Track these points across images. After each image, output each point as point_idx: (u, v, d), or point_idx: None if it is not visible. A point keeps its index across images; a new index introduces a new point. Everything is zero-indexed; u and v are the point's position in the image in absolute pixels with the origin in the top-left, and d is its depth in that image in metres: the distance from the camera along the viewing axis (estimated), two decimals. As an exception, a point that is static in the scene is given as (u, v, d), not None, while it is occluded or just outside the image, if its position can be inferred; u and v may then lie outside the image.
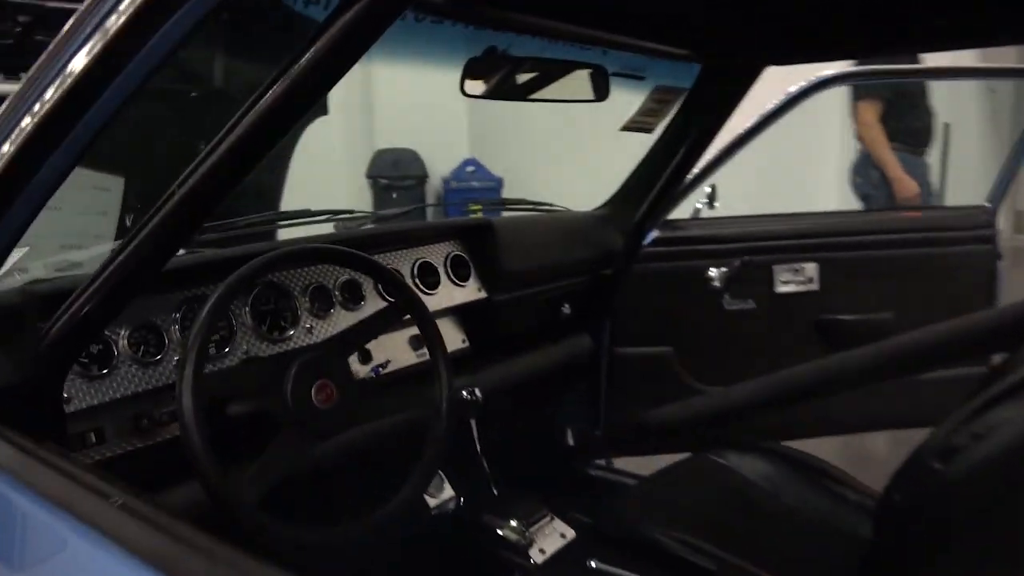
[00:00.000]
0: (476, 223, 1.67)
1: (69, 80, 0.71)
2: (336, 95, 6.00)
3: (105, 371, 1.07)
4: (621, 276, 2.02)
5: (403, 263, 1.54)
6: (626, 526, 1.49)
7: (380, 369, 1.44)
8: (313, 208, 1.63)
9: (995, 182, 2.45)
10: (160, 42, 0.69)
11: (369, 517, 1.12)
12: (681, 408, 2.07)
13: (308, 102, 0.74)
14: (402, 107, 6.27)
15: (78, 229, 0.76)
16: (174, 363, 1.13)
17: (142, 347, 1.12)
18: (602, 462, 2.19)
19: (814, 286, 2.30)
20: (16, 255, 1.06)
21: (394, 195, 6.20)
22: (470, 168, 6.47)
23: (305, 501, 1.25)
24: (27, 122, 0.72)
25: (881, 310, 2.32)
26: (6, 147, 0.74)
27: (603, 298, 2.05)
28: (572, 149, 6.54)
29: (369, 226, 1.70)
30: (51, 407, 0.92)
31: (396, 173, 6.26)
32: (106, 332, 1.08)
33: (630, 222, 1.99)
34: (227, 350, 1.21)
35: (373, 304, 1.44)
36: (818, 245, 2.31)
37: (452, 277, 1.61)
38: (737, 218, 2.37)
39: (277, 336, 1.28)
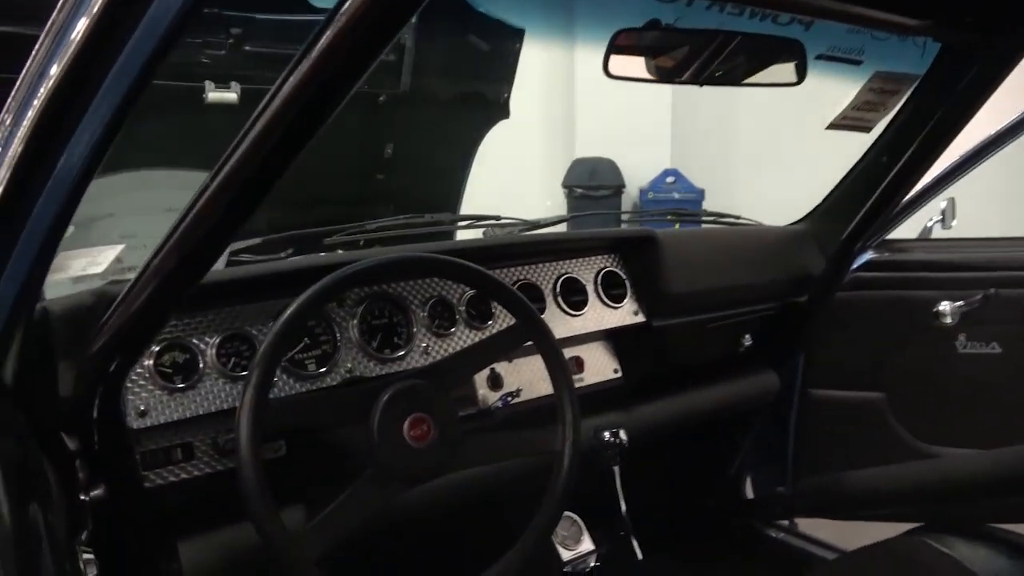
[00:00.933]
0: (635, 235, 1.43)
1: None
2: (538, 103, 5.99)
3: (189, 384, 0.98)
4: (819, 304, 1.67)
5: (544, 278, 1.34)
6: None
7: (510, 398, 1.26)
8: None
9: None
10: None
11: None
12: (893, 472, 1.67)
13: (351, 76, 0.57)
14: (604, 114, 6.11)
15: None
16: None
17: (232, 359, 1.02)
18: (785, 523, 1.84)
19: (1092, 332, 1.78)
20: (115, 250, 1.00)
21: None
22: (670, 179, 6.14)
23: (382, 560, 1.09)
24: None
25: None
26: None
27: (795, 329, 1.71)
28: (783, 158, 5.99)
29: (512, 232, 1.52)
30: (102, 423, 0.83)
31: (592, 183, 6.09)
32: (193, 341, 0.99)
33: (835, 240, 1.64)
34: (327, 368, 1.08)
35: (503, 324, 1.26)
36: None
37: (603, 296, 1.39)
38: (981, 240, 1.90)
39: (388, 355, 1.14)
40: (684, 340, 1.51)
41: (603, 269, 1.40)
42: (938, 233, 1.92)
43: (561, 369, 1.04)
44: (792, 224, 1.79)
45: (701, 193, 6.01)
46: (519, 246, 1.31)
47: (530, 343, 1.05)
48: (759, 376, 1.69)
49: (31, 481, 0.72)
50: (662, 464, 1.65)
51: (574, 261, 1.38)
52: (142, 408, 0.93)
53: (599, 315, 1.38)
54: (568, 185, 6.15)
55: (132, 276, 0.78)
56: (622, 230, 1.42)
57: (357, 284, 1.07)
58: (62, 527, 0.72)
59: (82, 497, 0.83)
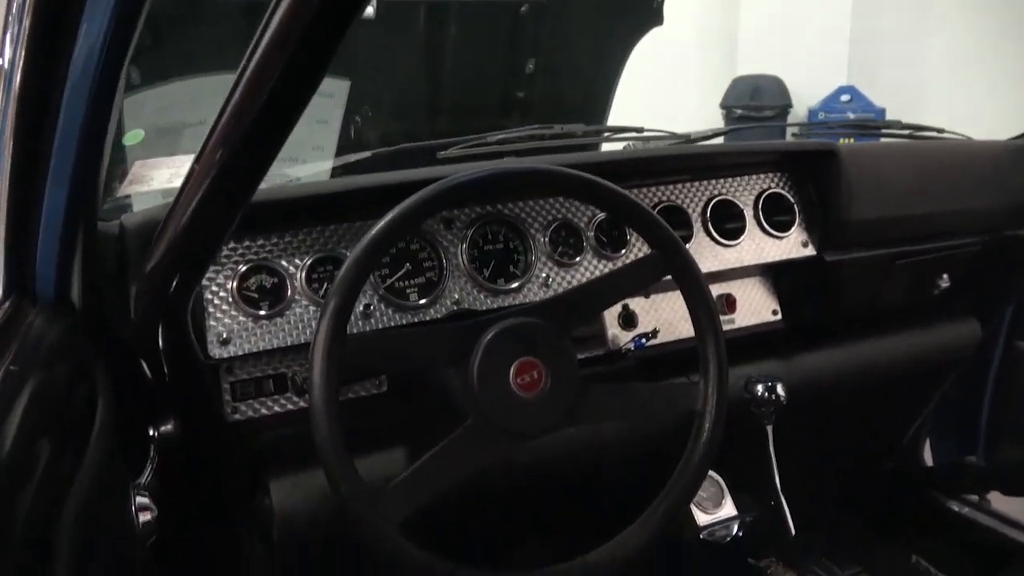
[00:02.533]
0: (810, 148, 1.17)
1: None
2: (695, 11, 5.51)
3: (276, 311, 0.87)
4: None
5: (692, 200, 1.12)
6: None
7: (644, 340, 1.07)
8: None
9: None
10: None
11: (579, 561, 0.78)
12: None
13: None
14: (771, 26, 5.55)
15: (293, 140, 0.53)
16: (360, 308, 0.90)
17: (325, 285, 0.90)
18: (975, 499, 1.55)
19: None
20: (186, 160, 0.90)
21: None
22: (845, 97, 5.49)
23: (478, 523, 0.96)
24: None
25: None
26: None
27: (1008, 270, 1.39)
28: (986, 74, 5.16)
29: (656, 145, 1.29)
30: (172, 350, 0.74)
31: (754, 102, 5.57)
32: (282, 263, 0.88)
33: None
34: (431, 298, 0.94)
35: (639, 253, 1.07)
36: None
37: (764, 224, 1.15)
38: None
39: (501, 286, 0.98)
40: (863, 279, 1.25)
41: (766, 191, 1.16)
42: None
43: (707, 311, 0.84)
44: (1016, 138, 1.43)
45: (881, 113, 5.33)
46: (662, 160, 1.10)
47: (669, 277, 0.86)
48: (956, 326, 1.39)
49: (82, 413, 0.63)
50: (821, 423, 1.42)
51: (730, 181, 1.15)
52: (224, 336, 0.84)
53: (758, 246, 1.15)
54: (727, 105, 5.67)
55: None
56: (793, 142, 1.16)
57: (461, 200, 0.91)
58: (116, 467, 0.64)
59: (150, 432, 0.75)
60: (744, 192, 1.15)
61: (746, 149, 1.15)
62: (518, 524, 1.13)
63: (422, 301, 0.94)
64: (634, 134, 1.28)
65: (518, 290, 0.99)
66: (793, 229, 1.17)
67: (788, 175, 1.18)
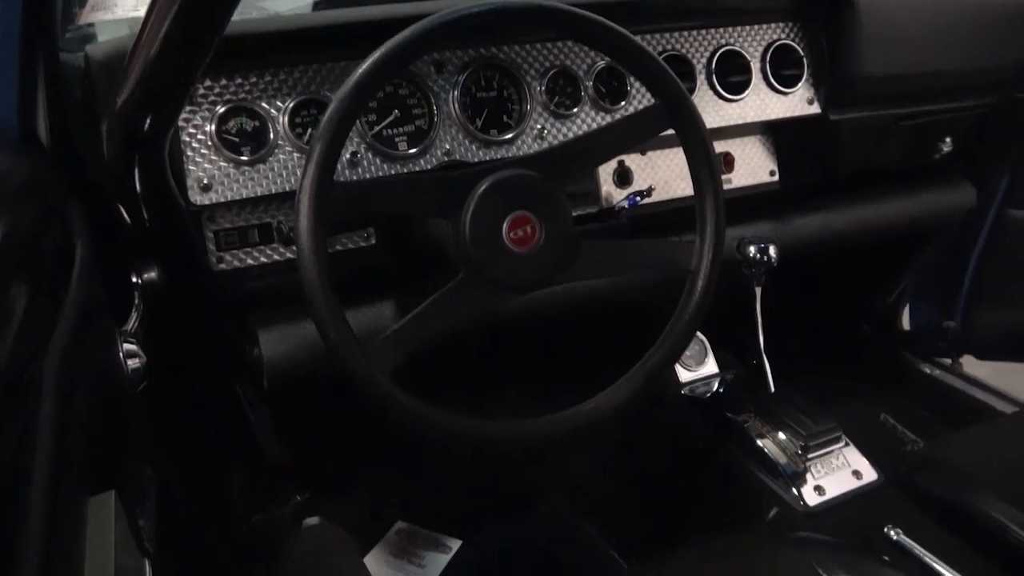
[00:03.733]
0: (824, -6, 1.09)
1: None
2: None
3: (258, 156, 0.83)
4: None
5: (696, 49, 1.06)
6: (955, 490, 0.98)
7: (639, 198, 1.05)
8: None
9: None
10: None
11: (566, 412, 0.79)
12: None
13: None
14: None
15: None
16: (347, 156, 0.86)
17: (309, 130, 0.85)
18: (947, 362, 1.60)
19: None
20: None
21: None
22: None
23: (467, 378, 0.97)
24: None
25: None
26: None
27: (1014, 134, 1.35)
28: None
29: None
30: (151, 195, 0.71)
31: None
32: (263, 105, 0.83)
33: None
34: (421, 147, 0.90)
35: (639, 105, 1.02)
36: None
37: (771, 78, 1.09)
38: None
39: (494, 136, 0.94)
40: (864, 139, 1.21)
41: (775, 42, 1.09)
42: None
43: (709, 169, 0.81)
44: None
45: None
46: (666, 3, 1.02)
47: (670, 131, 0.82)
48: (953, 191, 1.37)
49: (51, 255, 0.61)
50: (806, 285, 1.42)
51: (738, 29, 1.08)
52: (205, 181, 0.80)
53: (762, 102, 1.10)
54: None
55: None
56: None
57: (452, 37, 0.84)
58: (100, 312, 0.62)
59: (133, 279, 0.73)
60: (752, 42, 1.09)
61: (761, -8, 1.07)
62: (506, 376, 1.14)
63: (412, 150, 0.89)
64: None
65: (511, 141, 0.95)
66: (800, 85, 1.12)
67: (799, 25, 1.11)
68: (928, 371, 1.61)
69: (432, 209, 0.75)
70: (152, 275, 0.76)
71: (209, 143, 0.80)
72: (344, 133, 0.67)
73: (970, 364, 1.57)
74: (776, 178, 1.21)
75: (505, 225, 0.75)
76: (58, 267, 0.59)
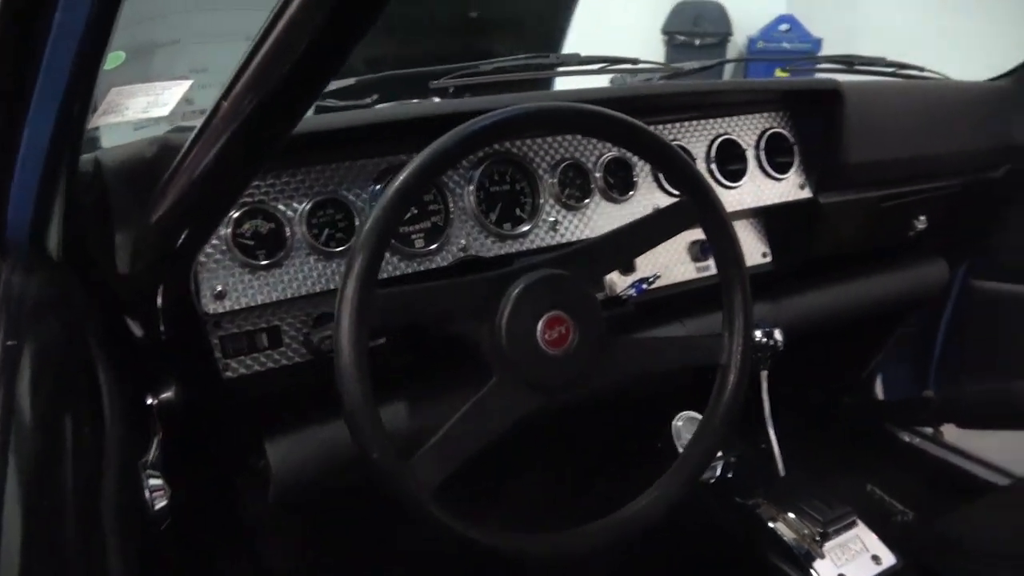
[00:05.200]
0: (815, 87, 1.14)
1: None
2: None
3: (275, 260, 0.79)
4: (1019, 180, 1.36)
5: (697, 139, 1.08)
6: (973, 571, 0.98)
7: (645, 285, 1.04)
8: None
9: None
10: None
11: (614, 517, 0.75)
12: None
13: None
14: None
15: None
16: None
17: (325, 231, 0.82)
18: (928, 431, 1.62)
19: None
20: (182, 87, 0.80)
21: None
22: (784, 26, 5.50)
23: (497, 475, 0.93)
24: None
25: None
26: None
27: (980, 211, 1.42)
28: (922, 5, 5.24)
29: (657, 82, 1.23)
30: (171, 308, 0.66)
31: (696, 29, 5.52)
32: (279, 207, 0.80)
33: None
34: (438, 244, 0.88)
35: (646, 196, 1.03)
36: None
37: (765, 165, 1.12)
38: None
39: (509, 230, 0.93)
40: (850, 221, 1.25)
41: (768, 130, 1.13)
42: None
43: (736, 263, 0.81)
44: (993, 80, 1.44)
45: (817, 44, 5.38)
46: (669, 97, 1.04)
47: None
48: (928, 265, 1.42)
49: (79, 380, 0.55)
50: (798, 362, 1.44)
51: (733, 119, 1.11)
52: (219, 289, 0.76)
53: (758, 188, 1.12)
54: (669, 31, 5.61)
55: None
56: (797, 80, 1.13)
57: (496, 140, 0.84)
58: (121, 442, 0.57)
59: (149, 401, 0.67)
60: (746, 131, 1.12)
61: (750, 87, 1.11)
62: (530, 473, 1.11)
63: (428, 247, 0.87)
64: (629, 65, 1.21)
65: (526, 235, 0.93)
66: (792, 171, 1.15)
67: (790, 114, 1.15)
68: (909, 440, 1.63)
69: (469, 313, 0.73)
70: (169, 394, 0.71)
71: (224, 247, 0.76)
72: (386, 243, 0.65)
73: (952, 433, 1.60)
74: (769, 259, 1.23)
75: (540, 326, 0.72)
76: (83, 398, 0.54)
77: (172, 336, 0.69)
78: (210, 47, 0.89)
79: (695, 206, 0.80)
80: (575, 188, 0.97)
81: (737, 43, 5.79)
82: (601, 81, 1.29)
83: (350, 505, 0.90)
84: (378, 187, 0.85)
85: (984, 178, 1.36)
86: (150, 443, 0.66)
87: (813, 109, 1.14)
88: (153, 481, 0.61)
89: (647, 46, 5.67)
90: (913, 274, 1.41)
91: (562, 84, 1.31)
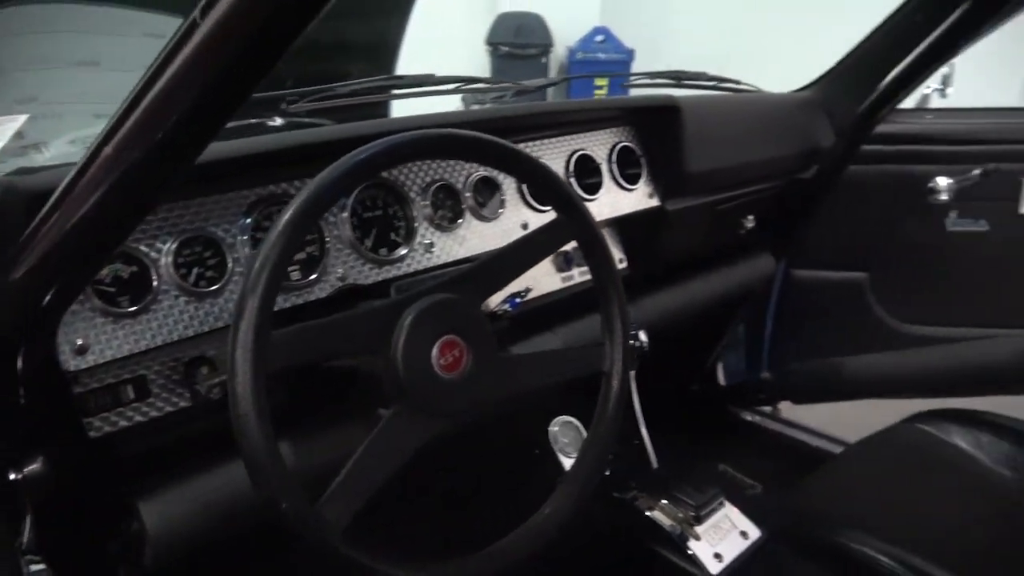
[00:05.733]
0: (657, 104, 1.22)
1: None
2: (456, -53, 5.45)
3: (141, 306, 0.73)
4: (826, 180, 1.54)
5: (555, 155, 1.12)
6: (829, 534, 1.09)
7: (519, 299, 1.07)
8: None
9: None
10: None
11: (513, 535, 0.77)
12: (880, 359, 1.62)
13: None
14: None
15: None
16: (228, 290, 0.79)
17: (195, 271, 0.77)
18: (767, 409, 1.79)
19: (1075, 208, 1.74)
20: (15, 122, 0.72)
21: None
22: (599, 38, 5.82)
23: (401, 512, 0.92)
24: None
25: None
26: None
27: (797, 208, 1.58)
28: (724, 20, 5.74)
29: (508, 101, 1.27)
30: (31, 370, 0.59)
31: (519, 40, 5.70)
32: (141, 248, 0.74)
33: (849, 110, 1.48)
34: (316, 275, 0.85)
35: (515, 213, 1.05)
36: None
37: (618, 177, 1.19)
38: (980, 111, 1.79)
39: (385, 255, 0.92)
40: (693, 224, 1.35)
41: (618, 144, 1.19)
42: (936, 102, 1.80)
43: (610, 274, 0.85)
44: (798, 91, 1.62)
45: (630, 54, 5.74)
46: (531, 117, 1.08)
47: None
48: (758, 260, 1.57)
49: None
50: (652, 359, 1.54)
51: (587, 135, 1.16)
52: (80, 342, 0.69)
53: (614, 199, 1.18)
54: (493, 42, 5.74)
55: (43, 158, 0.53)
56: (639, 98, 1.20)
57: (384, 168, 0.82)
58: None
59: (12, 476, 0.60)
60: (599, 146, 1.18)
61: (601, 105, 1.17)
62: (426, 494, 1.09)
63: (305, 279, 0.84)
64: (481, 84, 1.24)
65: (403, 259, 0.93)
66: (641, 181, 1.22)
67: (635, 129, 1.22)
68: (751, 419, 1.79)
69: (364, 345, 0.71)
70: (36, 466, 0.63)
71: (82, 297, 0.69)
72: (279, 281, 0.62)
73: (789, 409, 1.77)
74: (625, 264, 1.30)
75: (435, 352, 0.73)
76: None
77: (32, 401, 0.62)
78: (38, 74, 0.80)
79: (571, 223, 0.83)
80: (447, 209, 0.98)
81: (558, 53, 6.04)
82: (454, 100, 1.31)
83: (236, 558, 0.85)
84: (248, 220, 0.81)
85: (798, 179, 1.52)
86: (22, 524, 0.58)
87: (656, 124, 1.22)
88: (34, 567, 0.55)
89: (473, 56, 5.79)
90: (745, 268, 1.55)
91: (413, 105, 1.31)
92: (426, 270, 0.94)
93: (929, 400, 1.44)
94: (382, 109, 1.19)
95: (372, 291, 0.89)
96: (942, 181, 1.64)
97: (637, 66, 5.79)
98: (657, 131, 1.22)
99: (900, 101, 1.46)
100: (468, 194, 1.00)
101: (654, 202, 1.24)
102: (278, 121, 0.94)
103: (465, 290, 0.77)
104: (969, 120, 1.72)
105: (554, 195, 0.82)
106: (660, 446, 1.41)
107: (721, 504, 1.15)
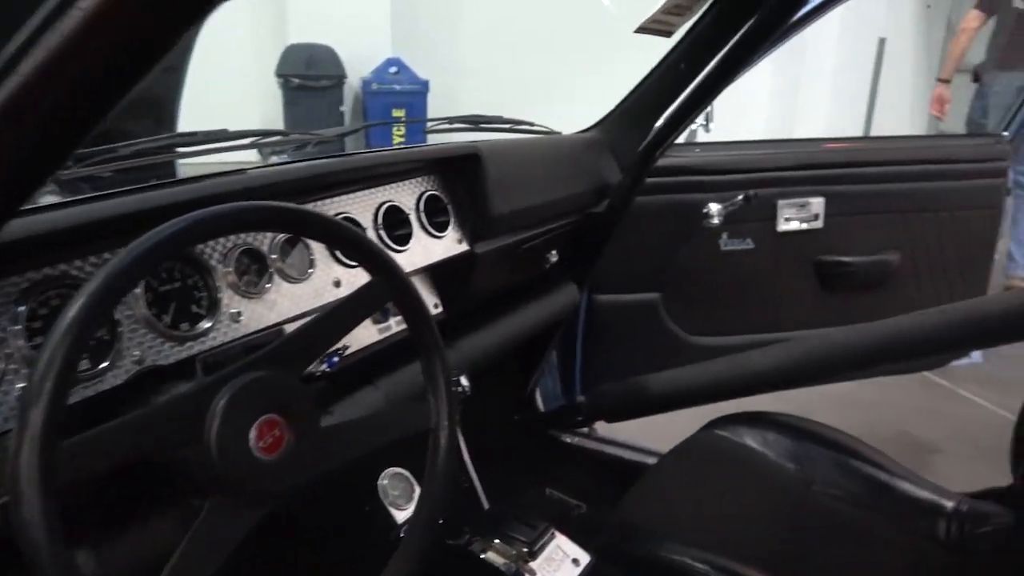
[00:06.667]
0: (460, 152, 1.25)
1: None
2: (239, -21, 5.26)
3: None
4: (617, 213, 1.66)
5: (362, 208, 1.11)
6: (651, 550, 1.17)
7: (337, 357, 1.04)
8: (218, 124, 1.16)
9: (1015, 108, 2.19)
10: None
11: None
12: (676, 374, 1.76)
13: None
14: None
15: None
16: (14, 397, 0.70)
17: None
18: (585, 431, 1.88)
19: (818, 224, 2.01)
20: None
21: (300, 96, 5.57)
22: (393, 69, 5.86)
23: None
24: None
25: (886, 250, 2.07)
26: None
27: (595, 241, 1.69)
28: (512, 51, 6.01)
29: (309, 154, 1.24)
30: None
31: (311, 72, 5.58)
32: None
33: (631, 147, 1.62)
34: (109, 362, 0.78)
35: (325, 272, 1.03)
36: (826, 177, 2.00)
37: (427, 225, 1.20)
38: (740, 143, 2.02)
39: (187, 331, 0.86)
40: (501, 264, 1.40)
41: (424, 193, 1.21)
42: (701, 137, 2.00)
43: (429, 330, 0.86)
44: (583, 132, 1.73)
45: (425, 85, 5.83)
46: (336, 175, 1.06)
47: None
48: (563, 290, 1.66)
49: None
50: (475, 397, 1.57)
51: (393, 186, 1.17)
52: None
53: (425, 248, 1.20)
54: (283, 74, 5.59)
55: None
56: (442, 147, 1.22)
57: (180, 250, 0.76)
58: None
59: None
60: (406, 196, 1.18)
61: (406, 156, 1.17)
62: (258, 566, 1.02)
63: (98, 367, 0.76)
64: (280, 137, 1.20)
65: (207, 332, 0.87)
66: (450, 228, 1.25)
67: (440, 178, 1.25)
68: (570, 441, 1.87)
69: (172, 441, 0.66)
70: None
71: None
72: (67, 387, 0.56)
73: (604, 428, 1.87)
74: (440, 310, 1.31)
75: (252, 435, 0.69)
76: None
77: None
78: None
79: (384, 284, 0.83)
80: (253, 274, 0.94)
81: (352, 84, 6.00)
82: (250, 154, 1.25)
83: None
84: (21, 308, 0.72)
85: (593, 213, 1.63)
86: None
87: (459, 171, 1.25)
88: None
89: (265, 90, 5.59)
90: (553, 299, 1.63)
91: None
92: (234, 341, 0.89)
93: (723, 406, 1.60)
94: (170, 169, 1.11)
95: (174, 371, 0.83)
96: (713, 207, 1.83)
97: (433, 96, 5.90)
98: (461, 178, 1.25)
99: (675, 138, 1.62)
100: (274, 256, 0.96)
101: (463, 247, 1.27)
102: (48, 195, 0.85)
103: (282, 365, 0.74)
104: (731, 152, 1.93)
105: (363, 258, 0.81)
106: (488, 479, 1.44)
107: (552, 536, 1.19)
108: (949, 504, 1.32)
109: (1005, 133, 2.16)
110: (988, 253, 2.19)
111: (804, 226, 2.01)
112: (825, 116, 6.96)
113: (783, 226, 1.98)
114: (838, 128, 6.49)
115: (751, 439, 1.47)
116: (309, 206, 1.00)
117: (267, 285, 0.94)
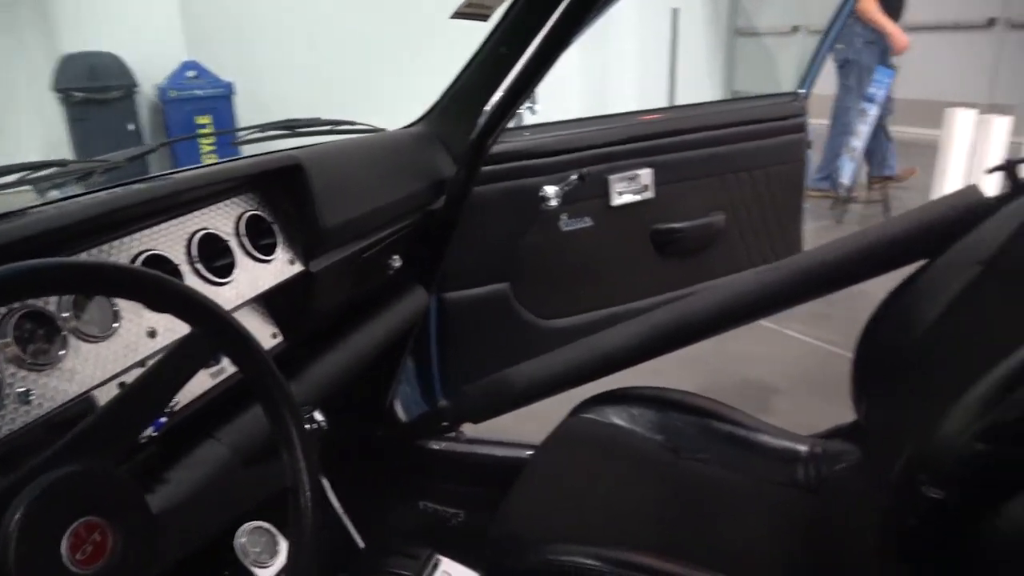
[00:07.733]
0: (279, 163, 1.12)
1: None
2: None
3: None
4: (458, 207, 1.59)
5: (171, 241, 0.96)
6: (539, 554, 1.13)
7: (162, 419, 0.90)
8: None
9: (807, 67, 2.35)
10: None
11: None
12: (533, 367, 1.73)
13: None
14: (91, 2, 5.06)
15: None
16: None
17: None
18: (452, 435, 1.81)
19: (650, 194, 2.06)
20: None
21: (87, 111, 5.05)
22: (191, 73, 5.43)
23: None
24: None
25: (713, 211, 2.16)
26: None
27: (438, 239, 1.61)
28: (322, 47, 5.75)
29: (97, 184, 1.06)
30: None
31: (95, 83, 5.05)
32: None
33: (462, 139, 1.55)
34: None
35: (132, 323, 0.87)
36: (651, 148, 2.04)
37: (251, 250, 1.07)
38: (565, 123, 2.02)
39: (-40, 424, 0.69)
40: (341, 279, 1.29)
41: (244, 214, 1.07)
42: (528, 119, 1.98)
43: (275, 382, 0.75)
44: (409, 127, 1.64)
45: (229, 87, 5.47)
46: (131, 208, 0.90)
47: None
48: (411, 295, 1.57)
49: None
50: (332, 423, 1.46)
51: (206, 212, 1.02)
52: None
53: (252, 276, 1.06)
54: (63, 88, 5.01)
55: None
56: (258, 160, 1.08)
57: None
58: None
59: None
60: (223, 221, 1.04)
61: (214, 176, 1.03)
62: None
63: None
64: (57, 167, 1.02)
65: None
66: (278, 249, 1.12)
67: (260, 195, 1.12)
68: (439, 447, 1.80)
69: None
70: None
71: None
72: None
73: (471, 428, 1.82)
74: (280, 339, 1.19)
75: (65, 548, 0.56)
76: None
77: None
78: None
79: (205, 335, 0.71)
80: (40, 341, 0.77)
81: (145, 92, 5.52)
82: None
83: None
84: None
85: (431, 210, 1.55)
86: None
87: (280, 185, 1.13)
88: None
89: (43, 106, 4.99)
90: (402, 306, 1.54)
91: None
92: (27, 427, 0.73)
93: (585, 389, 1.59)
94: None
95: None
96: (550, 189, 1.81)
97: (240, 100, 5.53)
98: (283, 192, 1.13)
99: (505, 124, 1.57)
100: (65, 315, 0.80)
101: (297, 267, 1.15)
102: None
103: (91, 454, 0.61)
104: (558, 132, 1.92)
105: (171, 305, 0.69)
106: (358, 507, 1.34)
107: (437, 562, 1.12)
108: (803, 449, 1.39)
109: (802, 90, 2.31)
110: (797, 202, 2.35)
111: (637, 198, 2.04)
112: (633, 90, 7.28)
113: (617, 200, 2.00)
114: (648, 101, 6.83)
115: (617, 417, 1.47)
116: (104, 248, 0.85)
117: (60, 352, 0.78)
